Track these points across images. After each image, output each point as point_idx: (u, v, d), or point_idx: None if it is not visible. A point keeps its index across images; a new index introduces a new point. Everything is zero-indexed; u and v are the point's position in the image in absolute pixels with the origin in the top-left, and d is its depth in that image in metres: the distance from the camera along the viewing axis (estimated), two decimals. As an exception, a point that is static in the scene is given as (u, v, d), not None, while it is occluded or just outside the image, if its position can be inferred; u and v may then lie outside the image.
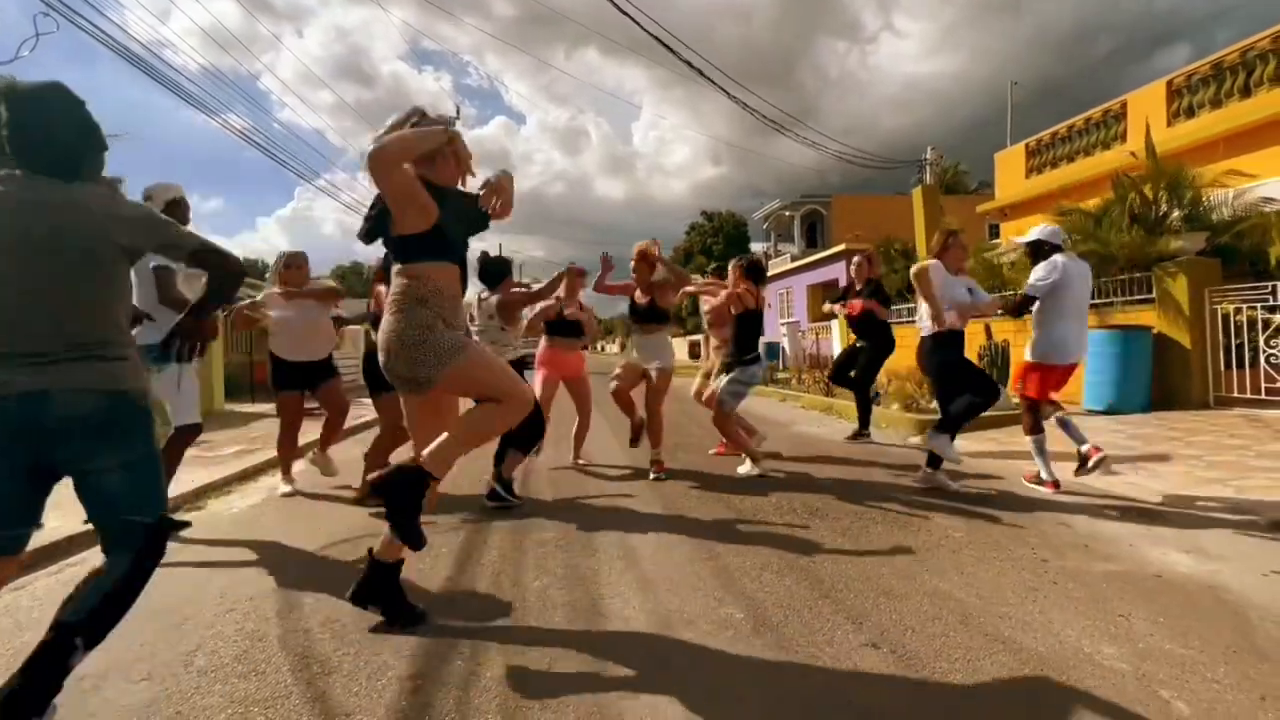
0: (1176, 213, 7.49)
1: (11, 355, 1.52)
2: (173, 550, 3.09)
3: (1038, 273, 3.93)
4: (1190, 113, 9.77)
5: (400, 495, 2.05)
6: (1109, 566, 2.66)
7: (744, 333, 4.60)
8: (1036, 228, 4.23)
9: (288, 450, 4.41)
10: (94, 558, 3.11)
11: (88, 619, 1.54)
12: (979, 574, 2.59)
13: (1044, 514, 3.41)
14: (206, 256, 1.82)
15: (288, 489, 4.31)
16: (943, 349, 3.97)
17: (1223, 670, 1.83)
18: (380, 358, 2.17)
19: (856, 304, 5.75)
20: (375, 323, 4.23)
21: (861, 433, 5.93)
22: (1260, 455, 4.48)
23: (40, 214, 1.57)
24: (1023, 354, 4.18)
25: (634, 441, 4.99)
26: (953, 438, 3.94)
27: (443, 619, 2.27)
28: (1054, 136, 12.44)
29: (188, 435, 3.44)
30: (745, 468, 4.58)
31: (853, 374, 5.88)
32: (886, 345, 5.81)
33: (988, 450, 5.32)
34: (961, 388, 3.96)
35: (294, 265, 4.29)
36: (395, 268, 2.17)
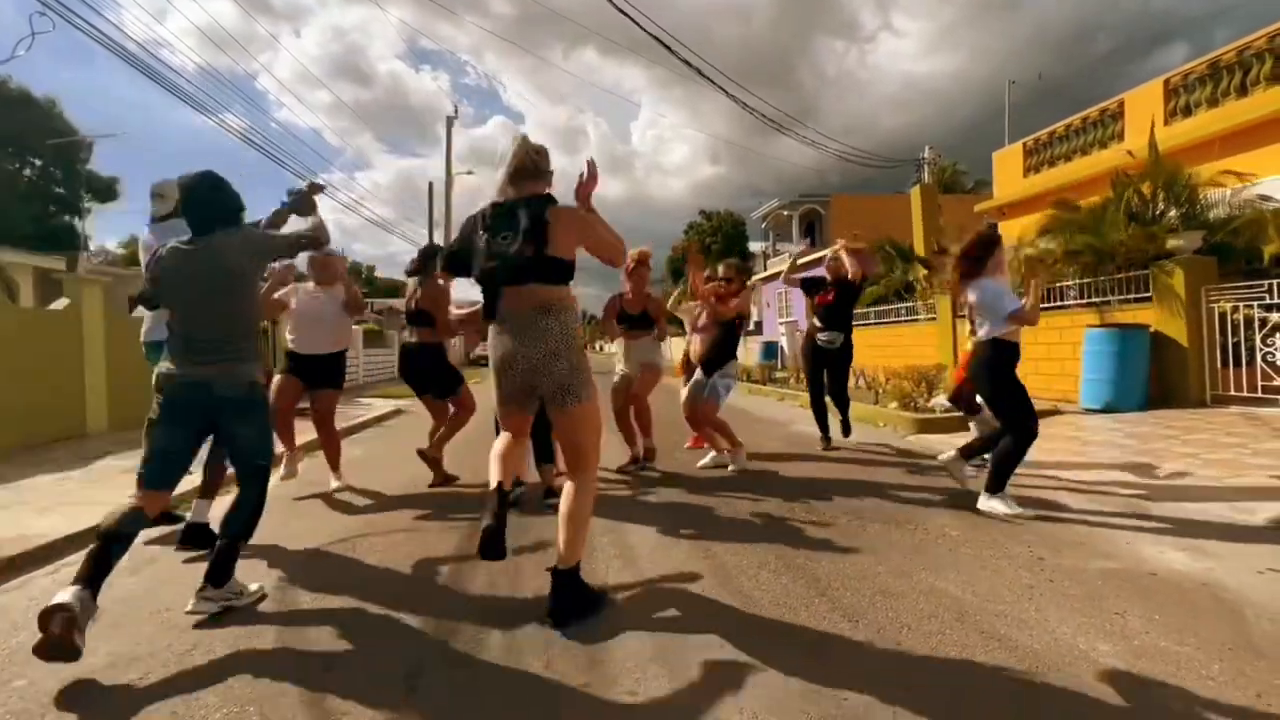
0: (1174, 211, 7.50)
1: (188, 355, 2.35)
2: (169, 549, 3.10)
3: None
4: (1187, 111, 9.79)
5: (575, 596, 2.26)
6: (1105, 564, 2.66)
7: (733, 336, 4.76)
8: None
9: (284, 431, 4.27)
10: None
11: (244, 529, 2.43)
12: (975, 572, 2.59)
13: (1040, 511, 3.41)
14: (304, 245, 2.62)
15: (285, 473, 4.29)
16: (1006, 363, 3.52)
17: (1217, 668, 1.83)
18: (538, 362, 2.25)
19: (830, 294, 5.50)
20: (414, 320, 4.35)
21: (844, 434, 5.75)
22: (1257, 453, 4.49)
23: (201, 259, 2.37)
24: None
25: (625, 469, 4.74)
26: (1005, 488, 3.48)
27: (439, 619, 2.27)
28: (1051, 136, 12.46)
29: None
30: (738, 463, 4.64)
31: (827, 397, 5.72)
32: (849, 350, 5.61)
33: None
34: (1010, 415, 3.53)
35: (333, 256, 4.36)
36: (554, 287, 2.28)
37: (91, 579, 2.06)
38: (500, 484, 2.26)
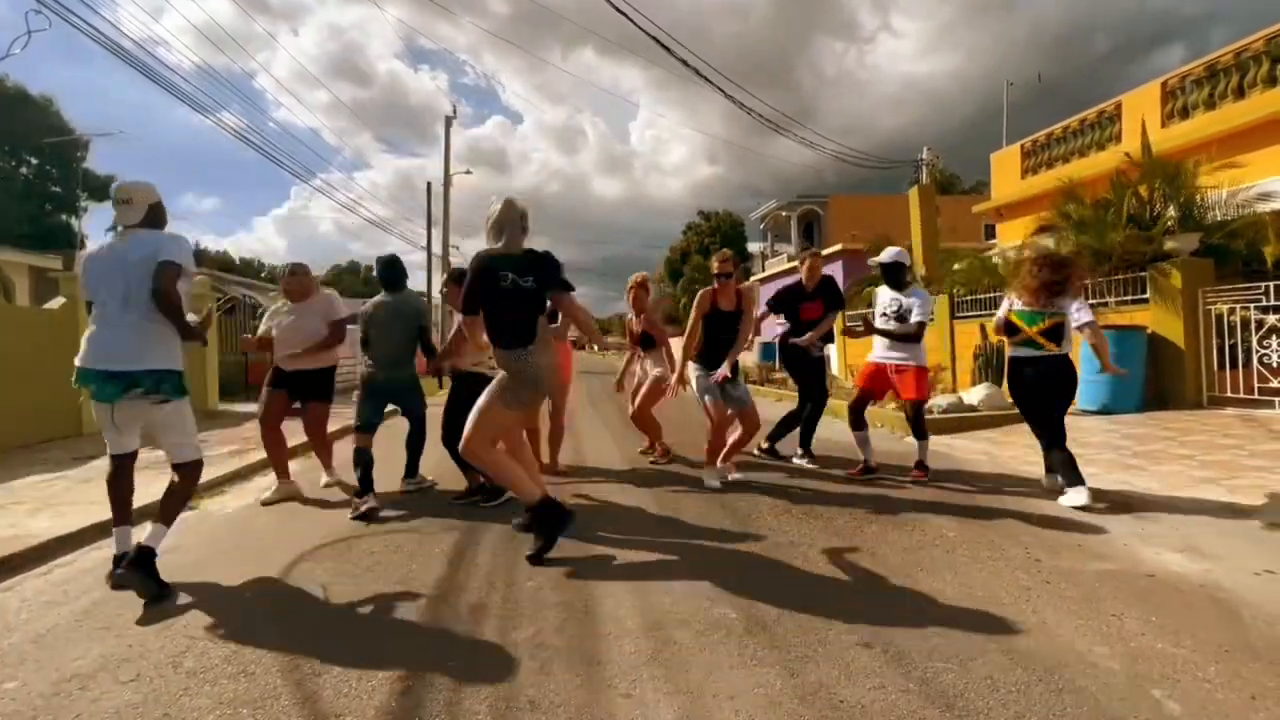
0: (1171, 211, 7.50)
1: (382, 364, 4.11)
2: (162, 551, 3.09)
3: (924, 303, 4.34)
4: (1185, 114, 9.80)
5: (553, 516, 2.91)
6: (1102, 566, 2.66)
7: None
8: (892, 250, 4.52)
9: (274, 448, 4.24)
10: (82, 559, 3.11)
11: (419, 445, 4.31)
12: (972, 573, 2.59)
13: (1037, 514, 3.42)
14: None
15: (272, 496, 4.14)
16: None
17: (1214, 669, 1.83)
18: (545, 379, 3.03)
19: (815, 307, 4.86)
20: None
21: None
22: (1254, 455, 4.49)
23: (391, 308, 4.17)
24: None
25: (655, 456, 5.21)
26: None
27: (434, 620, 2.26)
28: (1049, 137, 12.48)
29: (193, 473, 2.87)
30: (735, 475, 4.33)
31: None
32: (821, 378, 5.07)
33: (983, 450, 5.33)
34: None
35: (298, 273, 4.28)
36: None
37: (365, 488, 3.78)
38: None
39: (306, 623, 2.27)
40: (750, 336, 4.72)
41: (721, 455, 4.30)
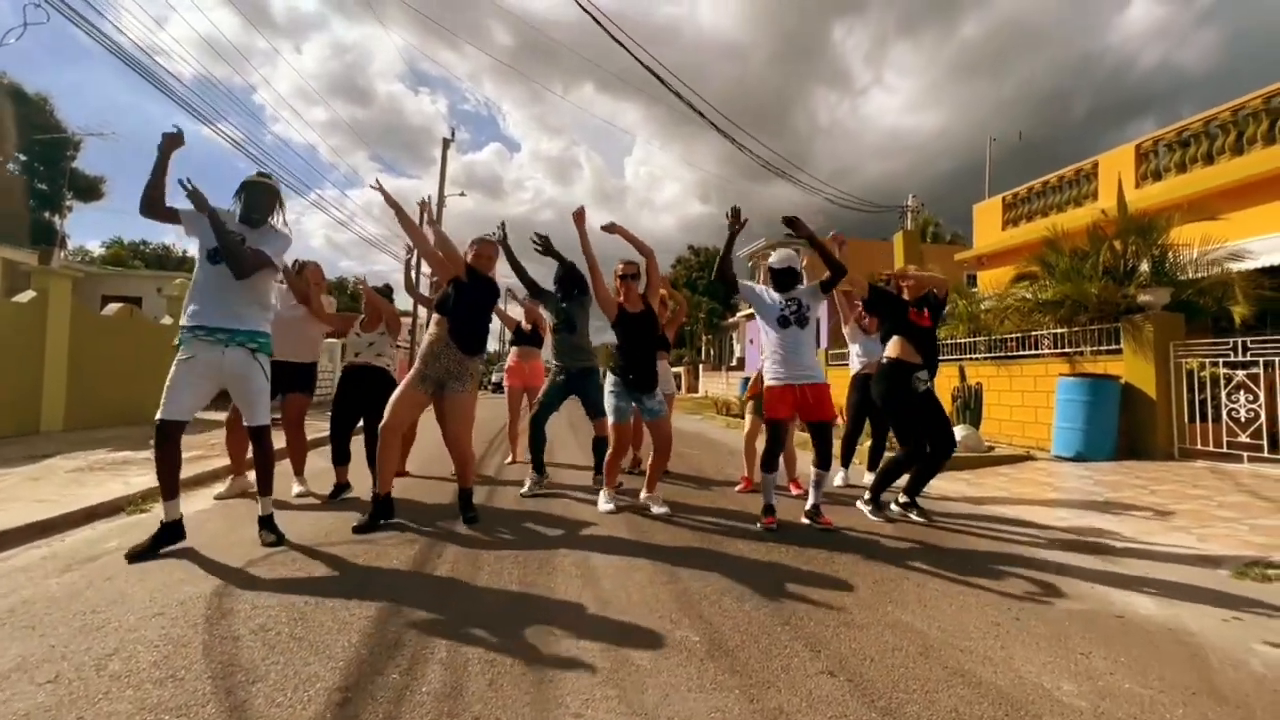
0: (1144, 266, 7.70)
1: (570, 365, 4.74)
2: (104, 552, 2.95)
3: (814, 292, 4.02)
4: (1158, 176, 10.18)
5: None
6: (1072, 605, 2.62)
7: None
8: (785, 252, 4.22)
9: (235, 447, 4.23)
10: (16, 558, 2.95)
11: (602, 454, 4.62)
12: (942, 607, 2.54)
13: (1009, 552, 3.38)
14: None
15: (226, 491, 4.22)
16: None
17: (1181, 711, 1.78)
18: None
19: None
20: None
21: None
22: (1223, 505, 4.52)
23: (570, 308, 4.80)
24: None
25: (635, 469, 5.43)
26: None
27: (382, 631, 2.16)
28: (1030, 191, 12.87)
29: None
30: (660, 509, 4.04)
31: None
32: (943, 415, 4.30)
33: (959, 491, 5.32)
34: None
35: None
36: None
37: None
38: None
39: (247, 629, 2.14)
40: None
41: (646, 483, 4.24)
